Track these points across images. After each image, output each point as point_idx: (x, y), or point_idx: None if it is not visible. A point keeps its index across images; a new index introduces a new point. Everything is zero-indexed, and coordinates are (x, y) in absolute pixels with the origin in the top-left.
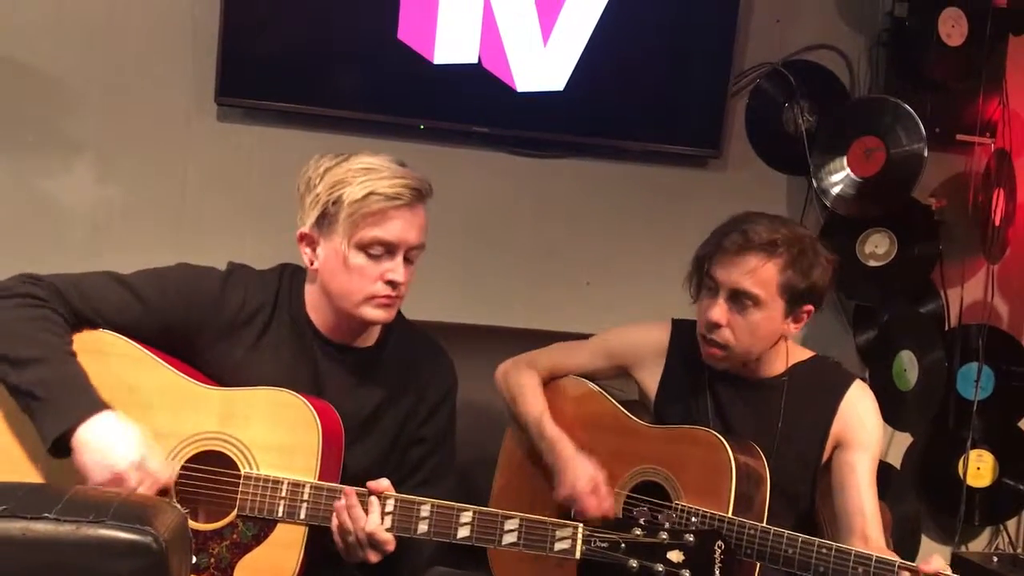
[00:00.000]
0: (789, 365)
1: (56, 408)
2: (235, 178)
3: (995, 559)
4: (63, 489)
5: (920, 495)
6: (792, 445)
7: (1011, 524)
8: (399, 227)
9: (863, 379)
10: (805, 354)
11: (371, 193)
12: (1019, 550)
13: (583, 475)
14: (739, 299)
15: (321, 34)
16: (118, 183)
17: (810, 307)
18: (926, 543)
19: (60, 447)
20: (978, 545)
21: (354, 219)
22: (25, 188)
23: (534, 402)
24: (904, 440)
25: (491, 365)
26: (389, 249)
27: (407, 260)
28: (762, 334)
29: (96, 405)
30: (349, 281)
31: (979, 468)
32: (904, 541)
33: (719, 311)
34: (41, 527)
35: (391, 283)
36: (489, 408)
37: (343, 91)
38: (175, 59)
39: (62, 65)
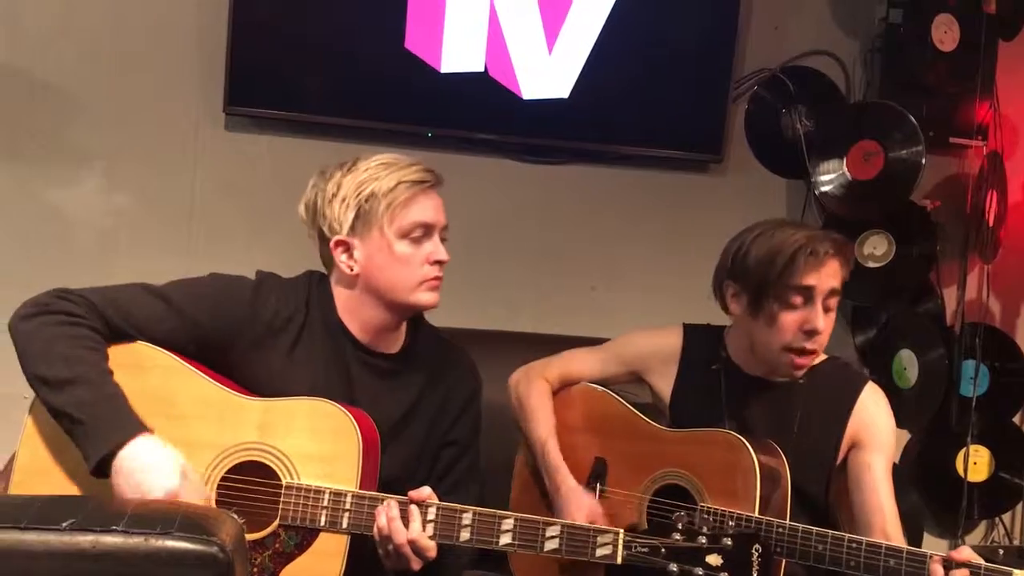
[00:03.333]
0: None
1: (96, 431)
2: (243, 187)
3: (1001, 552)
4: (126, 503)
5: (920, 491)
6: (807, 446)
7: (1007, 517)
8: (431, 208)
9: (875, 380)
10: (819, 356)
11: (400, 182)
12: (1016, 542)
13: (582, 509)
14: (828, 301)
15: (329, 43)
16: (127, 192)
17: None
18: (927, 538)
19: (102, 469)
20: (975, 538)
21: (392, 208)
22: (34, 198)
23: (542, 423)
24: (903, 437)
25: (500, 370)
26: (427, 231)
27: (442, 240)
28: (829, 333)
29: (135, 428)
30: (399, 270)
31: (975, 463)
32: (907, 537)
33: (822, 319)
34: (110, 540)
35: (438, 263)
36: (501, 413)
37: (351, 100)
38: (183, 69)
39: (70, 75)
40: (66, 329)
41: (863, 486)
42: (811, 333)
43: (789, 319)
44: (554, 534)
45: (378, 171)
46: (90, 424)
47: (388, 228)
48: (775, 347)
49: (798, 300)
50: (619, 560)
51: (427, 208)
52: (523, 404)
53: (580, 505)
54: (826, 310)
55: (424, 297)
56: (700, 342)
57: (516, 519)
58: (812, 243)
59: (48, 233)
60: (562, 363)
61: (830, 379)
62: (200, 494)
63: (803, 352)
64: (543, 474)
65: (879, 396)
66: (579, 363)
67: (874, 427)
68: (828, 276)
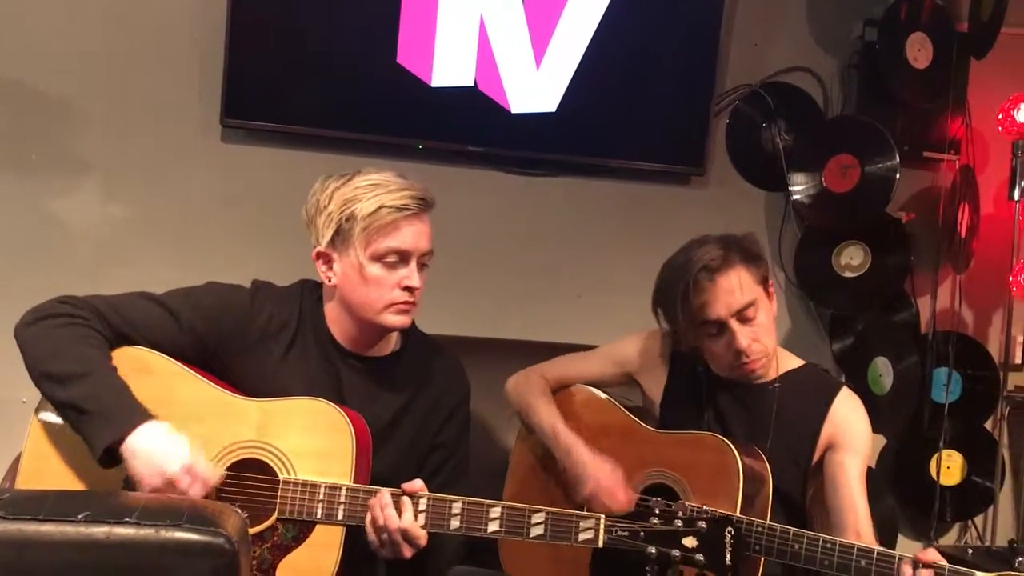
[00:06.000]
0: (780, 372)
1: (105, 419)
2: (239, 198)
3: (970, 552)
4: (136, 497)
5: (895, 494)
6: (784, 447)
7: (979, 520)
8: (411, 236)
9: (851, 386)
10: (796, 362)
11: (381, 207)
12: (989, 543)
13: (606, 472)
14: (743, 314)
15: (323, 58)
16: (124, 203)
17: (771, 281)
18: (902, 540)
19: (110, 456)
20: (949, 540)
21: (368, 232)
22: (32, 208)
23: (547, 411)
24: (879, 442)
25: (489, 376)
26: (403, 257)
27: (420, 266)
28: (770, 323)
29: (143, 415)
30: (368, 292)
31: (949, 467)
32: (881, 539)
33: (742, 336)
34: (123, 531)
35: (408, 289)
36: (490, 418)
37: (344, 113)
38: (181, 82)
39: (68, 87)
40: (71, 329)
41: (838, 486)
42: (741, 353)
43: (716, 348)
44: (539, 520)
45: (365, 191)
46: (97, 414)
47: (362, 250)
48: (723, 370)
49: (713, 331)
50: (600, 543)
51: (406, 235)
52: (525, 399)
53: (605, 468)
54: (744, 321)
55: (391, 319)
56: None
57: (503, 507)
58: (697, 269)
59: (45, 243)
60: (557, 366)
61: (807, 384)
62: (211, 472)
63: (748, 363)
64: (558, 457)
65: (854, 401)
66: (574, 366)
67: (849, 430)
68: (726, 295)
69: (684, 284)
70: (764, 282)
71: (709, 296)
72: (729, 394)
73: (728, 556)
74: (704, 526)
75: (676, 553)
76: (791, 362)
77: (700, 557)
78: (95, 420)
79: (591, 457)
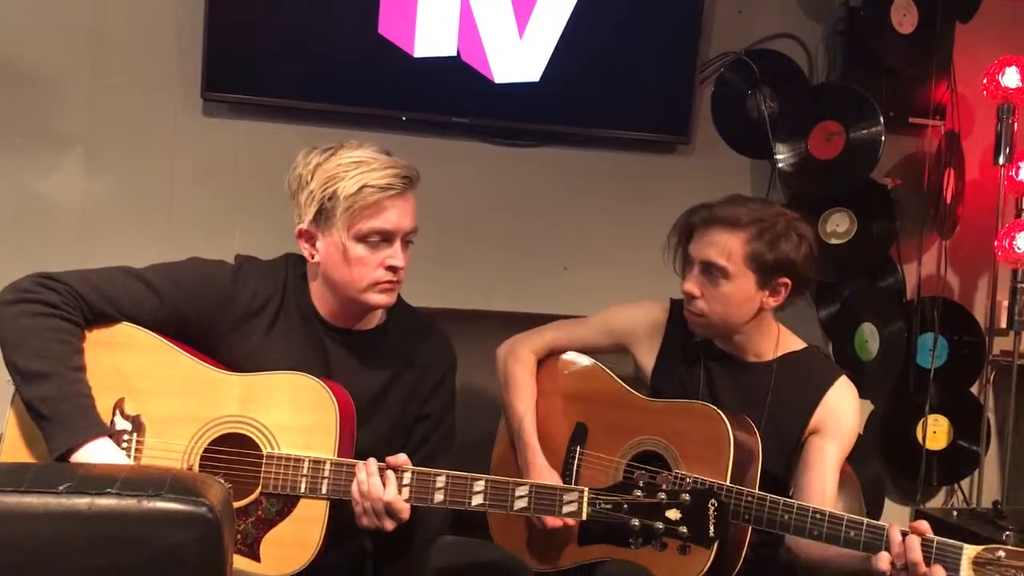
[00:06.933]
0: (780, 353)
1: (59, 428)
2: (222, 172)
3: (955, 514)
4: (118, 468)
5: (881, 459)
6: (774, 428)
7: (965, 483)
8: (394, 216)
9: (849, 375)
10: (798, 344)
11: (364, 186)
12: (974, 506)
13: None
14: (710, 271)
15: (304, 30)
16: (107, 179)
17: (785, 280)
18: (889, 505)
19: (63, 461)
20: (935, 504)
21: (351, 212)
22: (14, 185)
23: (521, 398)
24: (865, 408)
25: (475, 348)
26: (386, 237)
27: (404, 243)
28: (735, 304)
29: (93, 430)
30: (351, 271)
31: (935, 432)
32: (868, 503)
33: (692, 283)
34: (105, 502)
35: (392, 268)
36: (477, 390)
37: (327, 85)
38: (161, 55)
39: (49, 63)
40: (42, 320)
41: (812, 468)
42: (685, 296)
43: (684, 281)
44: (523, 493)
45: (348, 169)
46: (54, 421)
47: (344, 231)
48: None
49: (689, 260)
50: (584, 516)
51: (390, 216)
52: (508, 377)
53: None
54: (706, 274)
55: (374, 298)
56: (684, 316)
57: (487, 480)
58: (696, 215)
59: (28, 219)
60: (550, 334)
61: (805, 367)
62: None
63: (687, 308)
64: (516, 447)
65: (850, 391)
66: (566, 334)
67: (838, 418)
68: (707, 245)
69: (692, 214)
70: (764, 273)
71: (699, 234)
72: (724, 368)
73: (711, 528)
74: (688, 499)
75: (659, 525)
76: (792, 343)
77: (683, 529)
78: (51, 426)
79: (543, 464)
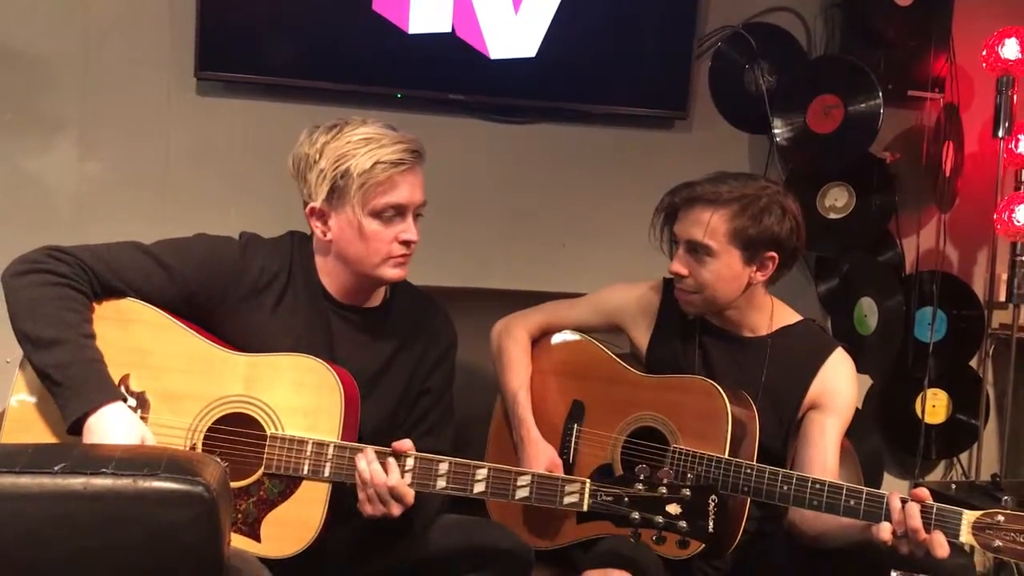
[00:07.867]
0: (775, 327)
1: (73, 394)
2: (216, 151)
3: (953, 487)
4: (113, 447)
5: (880, 432)
6: (771, 402)
7: (964, 457)
8: (407, 190)
9: (845, 347)
10: (792, 317)
11: (377, 162)
12: (973, 479)
13: (542, 459)
14: (695, 250)
15: (298, 7)
16: (101, 159)
17: (772, 254)
18: (888, 479)
19: (76, 428)
20: (934, 477)
21: (365, 189)
22: (8, 167)
23: (517, 376)
24: (864, 382)
25: (473, 325)
26: (400, 211)
27: (415, 217)
28: (723, 281)
29: (108, 395)
30: (367, 247)
31: (934, 406)
32: (868, 477)
33: (679, 263)
34: (100, 482)
35: (405, 242)
36: (476, 367)
37: (321, 62)
38: (154, 34)
39: (40, 43)
40: (53, 290)
41: (812, 443)
42: (673, 275)
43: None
44: (525, 483)
45: (358, 146)
46: (68, 387)
47: (359, 207)
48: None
49: (674, 240)
50: (585, 508)
51: (402, 190)
52: (502, 355)
53: (539, 456)
54: (692, 253)
55: (389, 272)
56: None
57: (489, 469)
58: (678, 195)
59: (23, 201)
60: (544, 313)
61: (801, 340)
62: None
63: (676, 287)
64: (511, 424)
65: (847, 364)
66: (561, 313)
67: (836, 392)
68: (691, 223)
69: (674, 194)
70: (750, 248)
71: (682, 213)
72: (720, 344)
73: (711, 524)
74: (688, 494)
75: (659, 520)
76: (787, 317)
77: (683, 524)
78: (65, 391)
79: (537, 438)
